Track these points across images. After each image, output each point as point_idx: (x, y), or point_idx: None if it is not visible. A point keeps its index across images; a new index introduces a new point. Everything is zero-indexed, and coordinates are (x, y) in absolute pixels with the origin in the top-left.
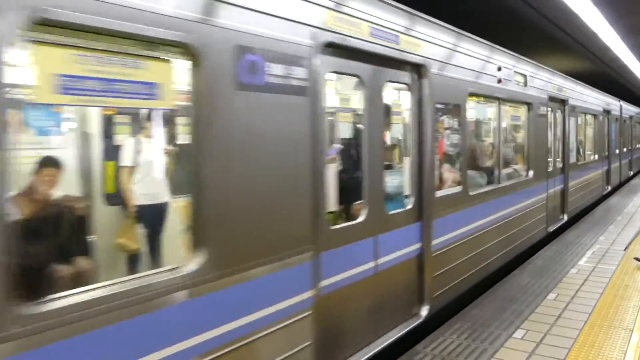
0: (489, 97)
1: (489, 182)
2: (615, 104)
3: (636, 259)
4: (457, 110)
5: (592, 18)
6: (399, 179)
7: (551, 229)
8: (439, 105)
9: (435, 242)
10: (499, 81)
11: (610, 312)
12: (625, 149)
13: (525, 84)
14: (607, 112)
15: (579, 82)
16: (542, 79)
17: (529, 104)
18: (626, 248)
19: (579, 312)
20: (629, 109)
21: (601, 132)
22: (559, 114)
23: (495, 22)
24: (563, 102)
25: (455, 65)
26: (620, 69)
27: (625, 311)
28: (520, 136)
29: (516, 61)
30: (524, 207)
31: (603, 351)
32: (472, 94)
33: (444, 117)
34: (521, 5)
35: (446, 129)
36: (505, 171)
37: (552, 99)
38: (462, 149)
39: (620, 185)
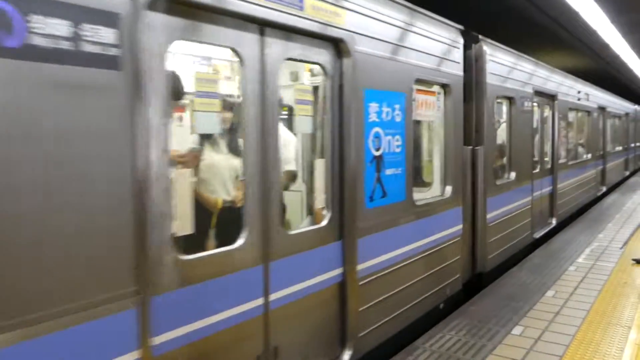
0: (575, 109)
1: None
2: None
3: (635, 260)
4: (565, 118)
5: (592, 15)
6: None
7: (599, 193)
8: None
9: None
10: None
11: (609, 309)
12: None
13: (588, 99)
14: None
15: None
16: (596, 95)
17: (589, 112)
18: (623, 246)
19: (577, 309)
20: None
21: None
22: (601, 118)
23: (495, 20)
24: (604, 109)
25: (564, 93)
26: (621, 66)
27: (623, 308)
28: (585, 132)
29: (583, 84)
30: (587, 176)
31: (601, 348)
32: (570, 108)
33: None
34: (522, 2)
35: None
36: (577, 152)
37: (600, 107)
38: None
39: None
